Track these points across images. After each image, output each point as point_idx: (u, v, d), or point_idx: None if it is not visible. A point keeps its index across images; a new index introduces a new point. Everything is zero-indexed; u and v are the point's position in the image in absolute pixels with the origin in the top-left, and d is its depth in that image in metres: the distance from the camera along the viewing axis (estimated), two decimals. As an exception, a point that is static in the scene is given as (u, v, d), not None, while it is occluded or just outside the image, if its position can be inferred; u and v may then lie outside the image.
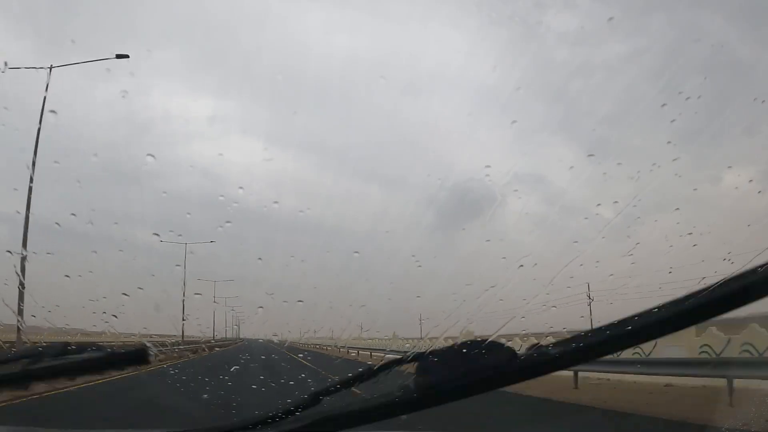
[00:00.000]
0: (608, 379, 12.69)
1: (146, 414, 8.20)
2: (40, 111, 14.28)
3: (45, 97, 14.33)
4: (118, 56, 15.93)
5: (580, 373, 12.03)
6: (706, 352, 12.32)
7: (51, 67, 14.81)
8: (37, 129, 15.10)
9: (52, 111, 13.32)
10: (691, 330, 11.77)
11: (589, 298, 36.36)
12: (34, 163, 15.34)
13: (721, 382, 8.76)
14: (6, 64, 12.55)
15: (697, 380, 10.46)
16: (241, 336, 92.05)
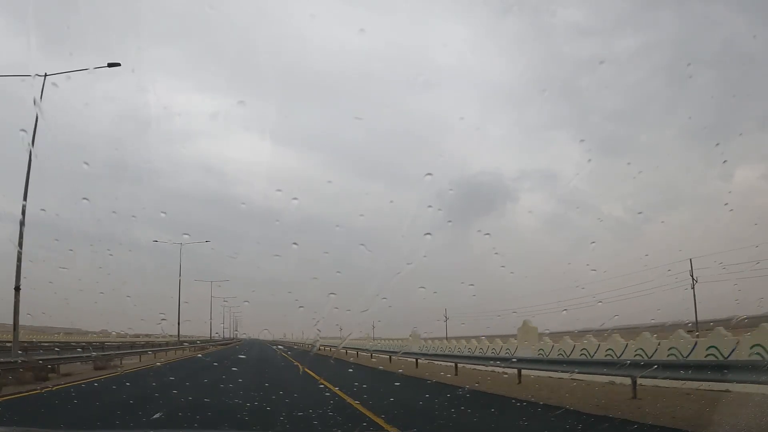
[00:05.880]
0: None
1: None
2: (35, 117, 14.26)
3: (39, 104, 14.23)
4: (110, 65, 16.26)
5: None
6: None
7: (45, 75, 14.77)
8: (32, 134, 15.03)
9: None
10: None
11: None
12: (29, 165, 15.21)
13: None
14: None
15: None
16: (240, 336, 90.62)
